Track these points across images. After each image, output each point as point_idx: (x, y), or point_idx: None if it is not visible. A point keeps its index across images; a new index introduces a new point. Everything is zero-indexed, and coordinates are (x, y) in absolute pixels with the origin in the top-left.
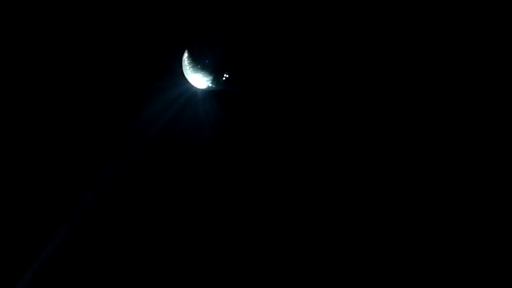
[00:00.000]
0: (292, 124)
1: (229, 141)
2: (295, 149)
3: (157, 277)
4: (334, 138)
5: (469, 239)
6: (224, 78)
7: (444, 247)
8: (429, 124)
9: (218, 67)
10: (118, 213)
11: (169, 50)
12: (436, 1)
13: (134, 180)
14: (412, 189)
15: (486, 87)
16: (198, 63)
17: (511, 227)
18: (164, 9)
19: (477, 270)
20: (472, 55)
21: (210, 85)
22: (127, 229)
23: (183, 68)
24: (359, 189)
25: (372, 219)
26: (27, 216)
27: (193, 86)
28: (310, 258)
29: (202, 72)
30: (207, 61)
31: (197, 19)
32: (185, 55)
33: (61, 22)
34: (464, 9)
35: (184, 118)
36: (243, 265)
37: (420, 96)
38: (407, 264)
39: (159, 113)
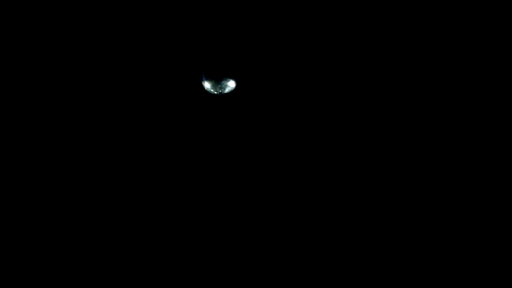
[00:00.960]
0: (297, 126)
1: (237, 141)
2: (301, 150)
3: (158, 277)
4: (341, 141)
5: (469, 239)
6: (231, 84)
7: (444, 247)
8: (429, 124)
9: (226, 74)
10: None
11: (185, 56)
12: (436, 1)
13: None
14: (412, 189)
15: (486, 87)
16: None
17: (511, 227)
18: (178, 16)
19: (477, 270)
20: (472, 55)
21: (220, 91)
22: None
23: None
24: (361, 191)
25: (372, 219)
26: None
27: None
28: (310, 258)
29: (213, 80)
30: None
31: (208, 27)
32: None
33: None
34: (464, 9)
35: (197, 122)
36: (245, 265)
37: (420, 96)
38: (407, 264)
39: (172, 118)
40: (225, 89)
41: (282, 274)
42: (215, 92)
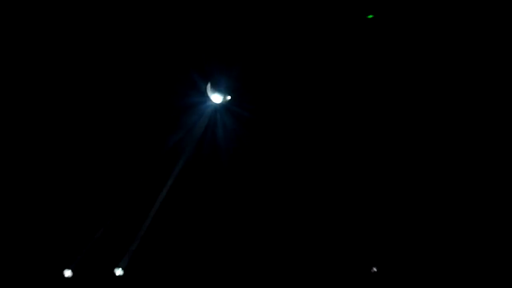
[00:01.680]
0: (302, 133)
1: (242, 148)
2: (307, 158)
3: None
4: (346, 149)
5: (469, 239)
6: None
7: (444, 247)
8: (429, 124)
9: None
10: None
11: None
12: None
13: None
14: (412, 189)
15: (486, 87)
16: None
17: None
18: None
19: (477, 270)
20: (472, 55)
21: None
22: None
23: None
24: (363, 196)
25: (374, 220)
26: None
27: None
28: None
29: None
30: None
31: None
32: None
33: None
34: (464, 9)
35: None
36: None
37: (420, 96)
38: (407, 264)
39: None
40: (226, 98)
41: (282, 274)
42: (218, 100)
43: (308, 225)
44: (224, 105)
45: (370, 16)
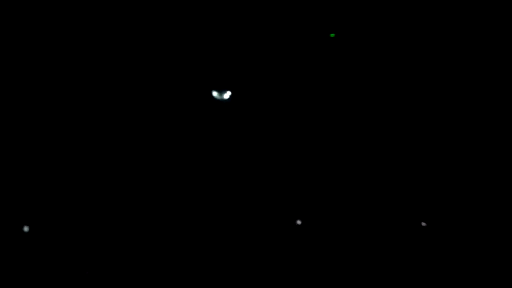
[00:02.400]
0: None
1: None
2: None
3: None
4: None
5: (469, 239)
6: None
7: (444, 247)
8: (429, 124)
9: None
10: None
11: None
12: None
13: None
14: (412, 189)
15: (486, 87)
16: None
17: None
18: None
19: (477, 270)
20: (472, 55)
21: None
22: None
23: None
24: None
25: (373, 220)
26: None
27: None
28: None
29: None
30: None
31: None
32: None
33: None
34: (464, 9)
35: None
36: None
37: (420, 96)
38: (407, 264)
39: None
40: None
41: (281, 274)
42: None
43: (308, 222)
44: (225, 101)
45: (332, 35)
